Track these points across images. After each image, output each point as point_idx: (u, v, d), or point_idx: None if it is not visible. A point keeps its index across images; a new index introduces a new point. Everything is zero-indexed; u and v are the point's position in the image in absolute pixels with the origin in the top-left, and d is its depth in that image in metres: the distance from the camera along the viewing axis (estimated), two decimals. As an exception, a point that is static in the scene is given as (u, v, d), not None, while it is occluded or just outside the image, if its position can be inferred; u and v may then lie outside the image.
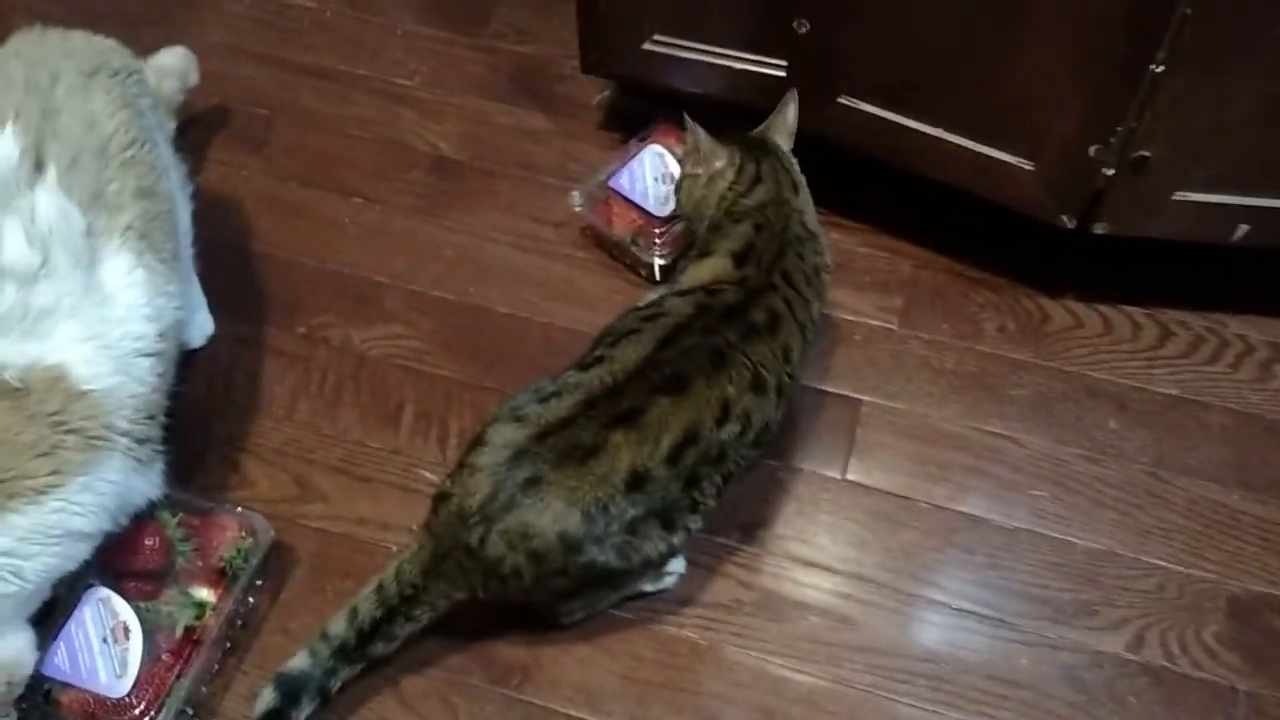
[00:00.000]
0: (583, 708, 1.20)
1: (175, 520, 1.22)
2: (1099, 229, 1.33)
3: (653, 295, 1.26)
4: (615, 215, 1.51)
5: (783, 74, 1.38)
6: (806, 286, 1.26)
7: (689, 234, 1.39)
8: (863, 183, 1.56)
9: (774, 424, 1.21)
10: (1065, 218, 1.32)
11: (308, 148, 1.67)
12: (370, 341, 1.47)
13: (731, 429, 1.14)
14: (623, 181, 1.51)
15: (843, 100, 1.35)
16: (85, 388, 1.04)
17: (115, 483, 1.07)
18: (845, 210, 1.56)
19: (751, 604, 1.26)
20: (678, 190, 1.37)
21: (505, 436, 1.11)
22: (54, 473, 1.01)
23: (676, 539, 1.16)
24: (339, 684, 1.14)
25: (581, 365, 1.16)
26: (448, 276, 1.53)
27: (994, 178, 1.33)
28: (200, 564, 1.20)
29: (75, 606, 1.13)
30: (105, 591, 1.14)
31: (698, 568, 1.28)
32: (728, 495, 1.20)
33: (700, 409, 1.12)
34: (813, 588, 1.27)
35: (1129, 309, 1.49)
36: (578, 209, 1.52)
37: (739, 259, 1.24)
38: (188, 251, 1.34)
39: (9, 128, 1.09)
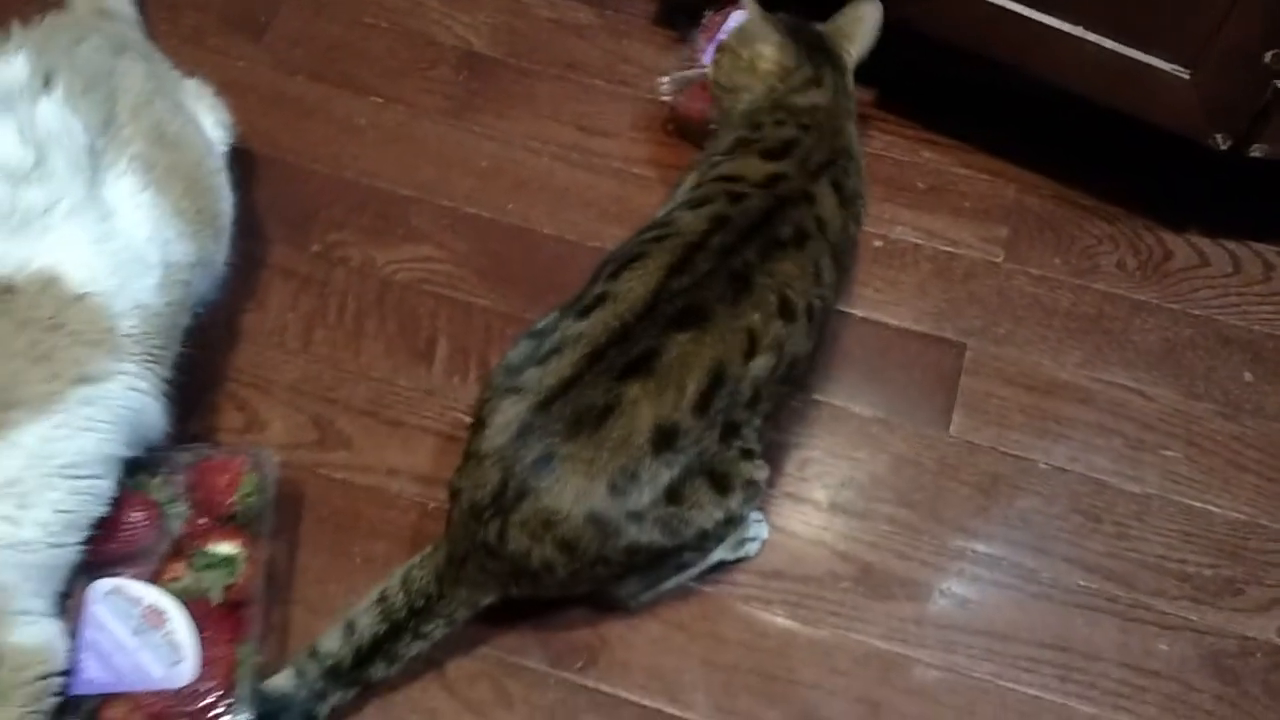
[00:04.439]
0: (659, 697, 1.02)
1: (157, 480, 1.01)
2: (1255, 152, 1.14)
3: (660, 211, 1.08)
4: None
5: (894, -43, 1.17)
6: (846, 207, 1.08)
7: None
8: (959, 94, 1.37)
9: (805, 358, 1.03)
10: (1220, 137, 1.14)
11: (317, 37, 1.44)
12: (396, 264, 1.27)
13: (763, 363, 0.96)
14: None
15: (965, -10, 1.15)
16: (82, 291, 0.92)
17: (122, 400, 0.93)
18: (940, 125, 1.37)
19: (849, 579, 1.09)
20: (716, 60, 1.20)
21: (505, 413, 0.93)
22: (54, 377, 0.89)
23: (734, 500, 0.97)
24: (329, 710, 0.95)
25: (581, 309, 0.97)
26: (482, 191, 1.33)
27: (1139, 87, 1.14)
28: (205, 520, 1.00)
29: (81, 613, 0.93)
30: (110, 582, 0.94)
31: (784, 534, 1.11)
32: (781, 438, 1.05)
33: (725, 343, 0.94)
34: (919, 561, 1.10)
35: (1259, 246, 1.31)
36: (665, 97, 1.32)
37: (774, 154, 1.07)
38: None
39: (24, 53, 1.02)
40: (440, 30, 1.46)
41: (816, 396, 1.18)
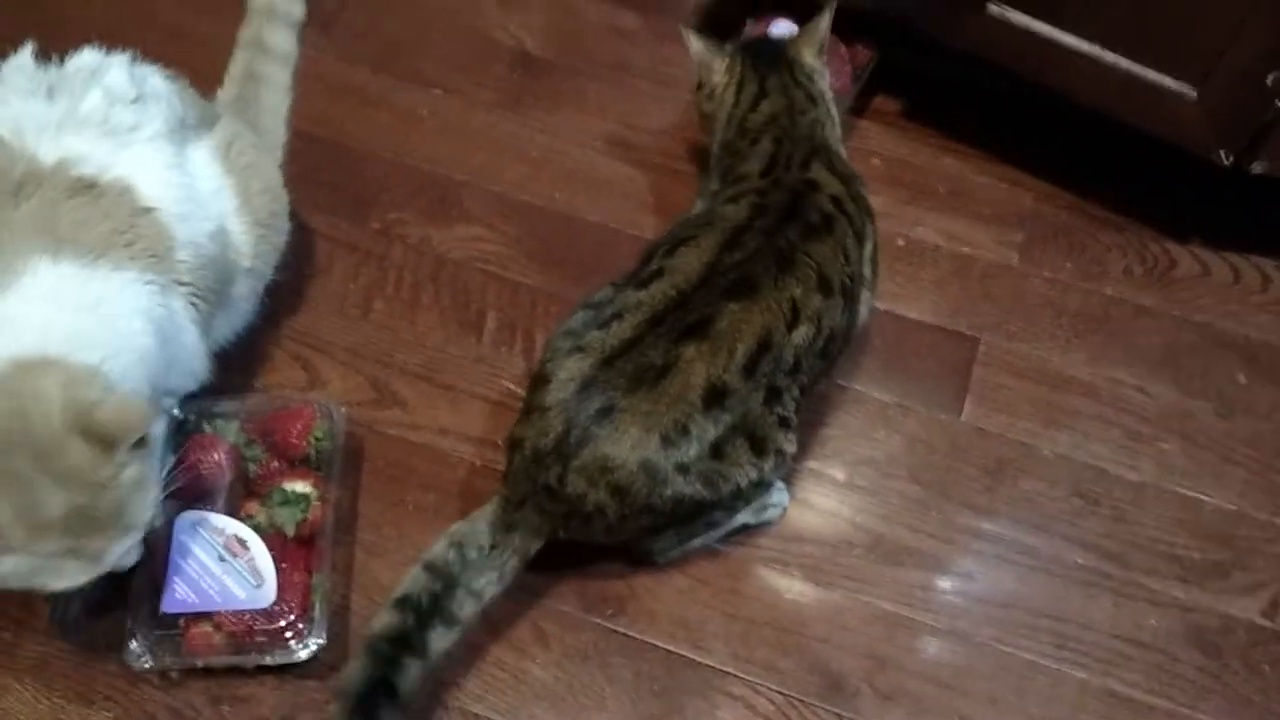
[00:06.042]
0: (682, 643, 1.11)
1: (235, 427, 1.11)
2: (1256, 168, 1.23)
3: (694, 210, 1.19)
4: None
5: (925, -23, 1.27)
6: (847, 185, 1.18)
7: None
8: (983, 107, 1.46)
9: (841, 333, 1.13)
10: (1223, 153, 1.22)
11: (381, 32, 1.55)
12: (450, 243, 1.37)
13: (804, 333, 1.06)
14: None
15: (992, 9, 1.24)
16: (150, 205, 1.01)
17: (172, 310, 1.02)
18: (963, 135, 1.46)
19: (862, 547, 1.18)
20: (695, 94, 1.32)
21: (569, 370, 1.02)
22: (132, 258, 0.99)
23: (768, 464, 1.07)
24: (412, 682, 0.98)
25: (639, 282, 1.07)
26: (532, 179, 1.42)
27: (1150, 104, 1.23)
28: (279, 463, 1.10)
29: (169, 541, 1.02)
30: (196, 514, 1.04)
31: (803, 506, 1.20)
32: (804, 417, 1.13)
33: (772, 313, 1.04)
34: (928, 534, 1.19)
35: (1258, 259, 1.40)
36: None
37: (765, 174, 1.17)
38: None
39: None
40: (497, 30, 1.55)
41: (840, 381, 1.27)
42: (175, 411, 1.08)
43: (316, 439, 1.09)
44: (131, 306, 0.97)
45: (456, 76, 1.51)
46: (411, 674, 0.98)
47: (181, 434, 1.08)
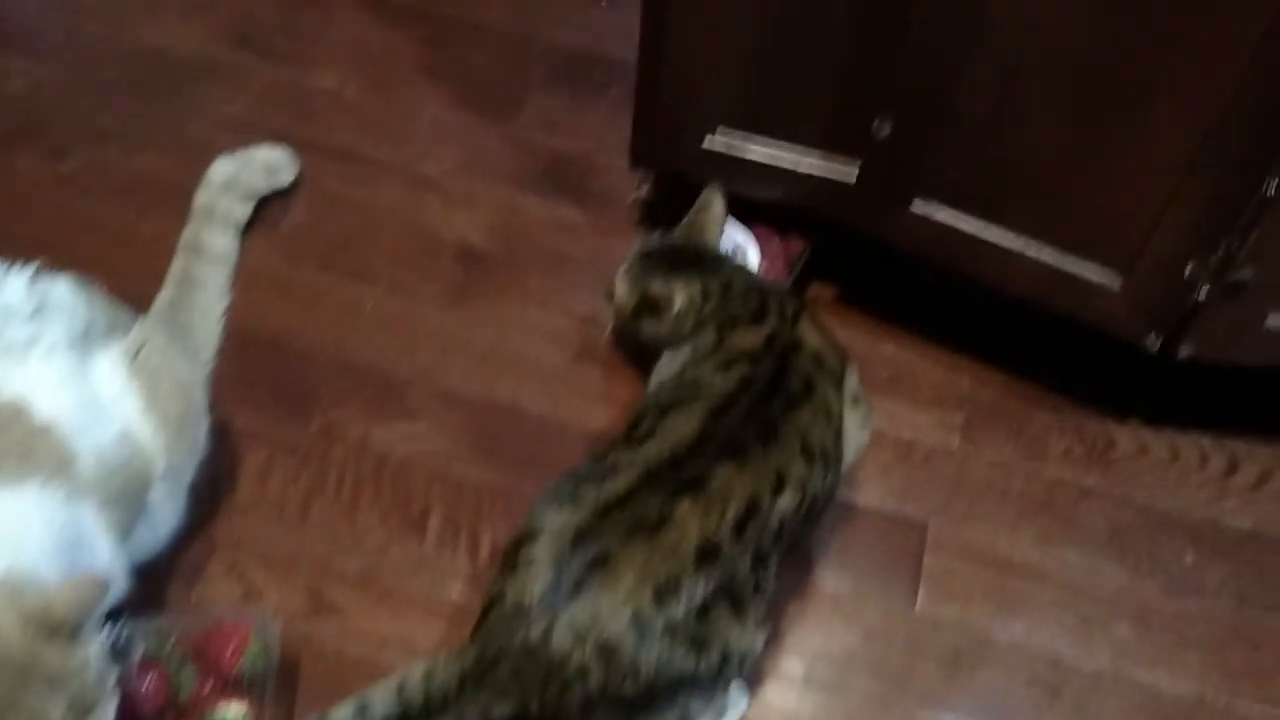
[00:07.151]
0: None
1: (167, 647, 1.07)
2: (1184, 352, 1.26)
3: (668, 370, 1.21)
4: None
5: (852, 181, 1.31)
6: (825, 338, 1.21)
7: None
8: (916, 291, 1.50)
9: (821, 498, 1.13)
10: (1151, 338, 1.26)
11: (326, 231, 1.56)
12: (392, 441, 1.35)
13: (788, 500, 1.06)
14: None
15: (916, 208, 1.29)
16: (46, 421, 1.00)
17: (79, 521, 1.00)
18: (899, 319, 1.49)
19: (822, 748, 1.14)
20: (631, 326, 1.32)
21: (562, 520, 1.01)
22: (23, 461, 0.97)
23: (745, 631, 1.04)
24: None
25: (633, 442, 1.09)
26: (476, 372, 1.42)
27: (1077, 295, 1.26)
28: (212, 684, 1.05)
29: None
30: None
31: (761, 704, 1.16)
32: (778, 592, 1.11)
33: (759, 478, 1.05)
34: (889, 732, 1.15)
35: (1196, 436, 1.42)
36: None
37: (756, 318, 1.20)
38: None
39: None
40: (442, 227, 1.58)
41: (795, 571, 1.24)
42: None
43: (250, 659, 1.04)
44: (30, 517, 0.96)
45: (401, 271, 1.52)
46: None
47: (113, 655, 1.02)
